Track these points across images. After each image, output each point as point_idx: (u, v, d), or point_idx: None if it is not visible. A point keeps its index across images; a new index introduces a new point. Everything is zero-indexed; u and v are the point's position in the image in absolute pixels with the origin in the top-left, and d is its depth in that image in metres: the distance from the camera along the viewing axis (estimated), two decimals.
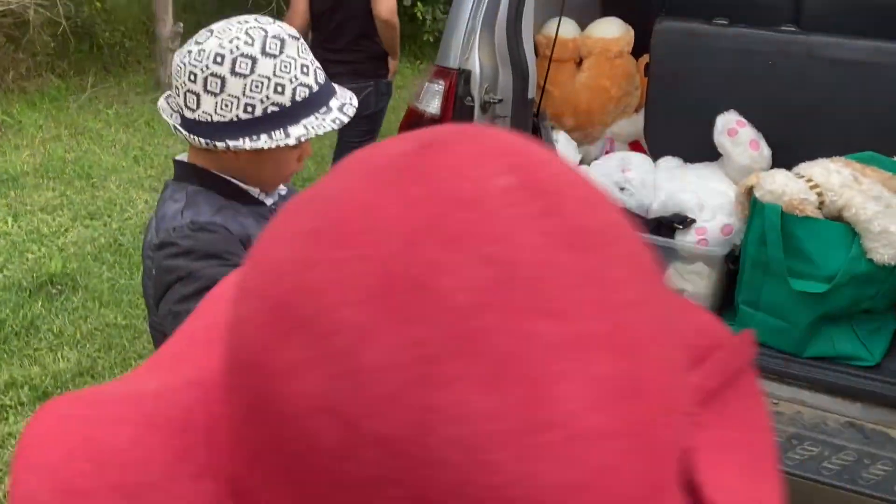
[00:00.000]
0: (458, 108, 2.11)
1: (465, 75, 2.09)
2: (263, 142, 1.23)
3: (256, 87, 1.22)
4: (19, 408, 2.91)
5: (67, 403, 0.36)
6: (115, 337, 3.32)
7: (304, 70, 1.25)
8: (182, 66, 1.24)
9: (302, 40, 1.27)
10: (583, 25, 2.65)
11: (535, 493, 0.26)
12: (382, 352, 0.26)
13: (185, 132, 1.26)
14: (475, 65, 2.09)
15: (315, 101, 1.25)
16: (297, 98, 1.23)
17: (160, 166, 5.02)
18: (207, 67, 1.21)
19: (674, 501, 0.31)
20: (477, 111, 2.12)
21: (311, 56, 1.27)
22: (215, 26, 1.26)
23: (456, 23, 2.15)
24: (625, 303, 0.29)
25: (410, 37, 8.12)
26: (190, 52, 1.23)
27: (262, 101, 1.22)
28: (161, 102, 1.35)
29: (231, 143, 1.23)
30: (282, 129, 1.24)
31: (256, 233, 1.29)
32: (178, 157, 1.37)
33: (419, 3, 7.47)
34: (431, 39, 7.36)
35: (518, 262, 0.27)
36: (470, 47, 2.09)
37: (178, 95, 1.27)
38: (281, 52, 1.23)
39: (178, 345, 0.39)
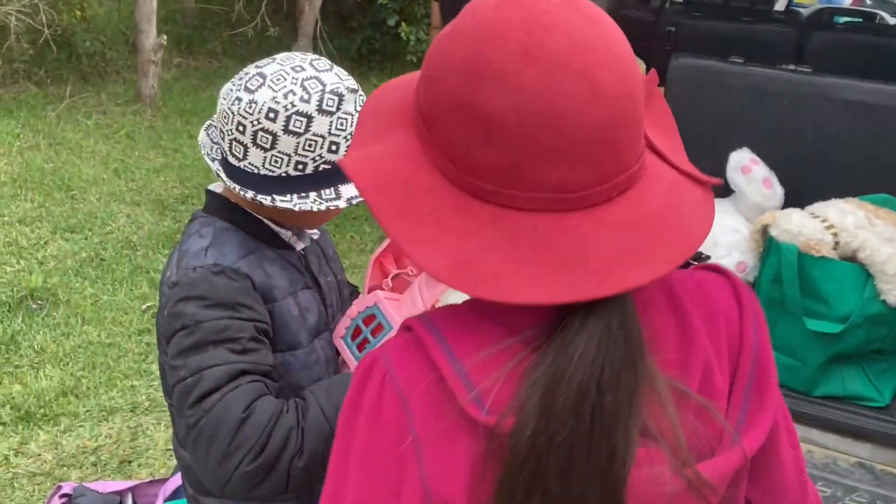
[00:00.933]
0: None
1: None
2: (312, 201, 1.16)
3: (310, 145, 1.15)
4: (0, 427, 2.80)
5: (348, 156, 0.72)
6: (100, 355, 3.22)
7: None
8: (230, 113, 1.15)
9: (361, 92, 1.20)
10: None
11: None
12: (496, 63, 0.64)
13: (229, 181, 1.19)
14: None
15: None
16: None
17: (141, 180, 4.92)
18: (258, 122, 1.13)
19: (640, 137, 0.69)
20: None
21: None
22: (267, 70, 1.16)
23: None
24: (614, 41, 0.67)
25: (393, 56, 8.12)
26: (239, 100, 1.15)
27: (314, 160, 1.16)
28: (202, 137, 1.27)
29: (279, 200, 1.16)
30: (333, 189, 1.18)
31: (279, 282, 1.21)
32: (211, 187, 1.29)
33: (404, 24, 7.47)
34: (415, 60, 7.36)
35: (558, 27, 0.64)
36: None
37: (223, 139, 1.19)
38: (338, 108, 1.15)
39: (381, 121, 0.76)
